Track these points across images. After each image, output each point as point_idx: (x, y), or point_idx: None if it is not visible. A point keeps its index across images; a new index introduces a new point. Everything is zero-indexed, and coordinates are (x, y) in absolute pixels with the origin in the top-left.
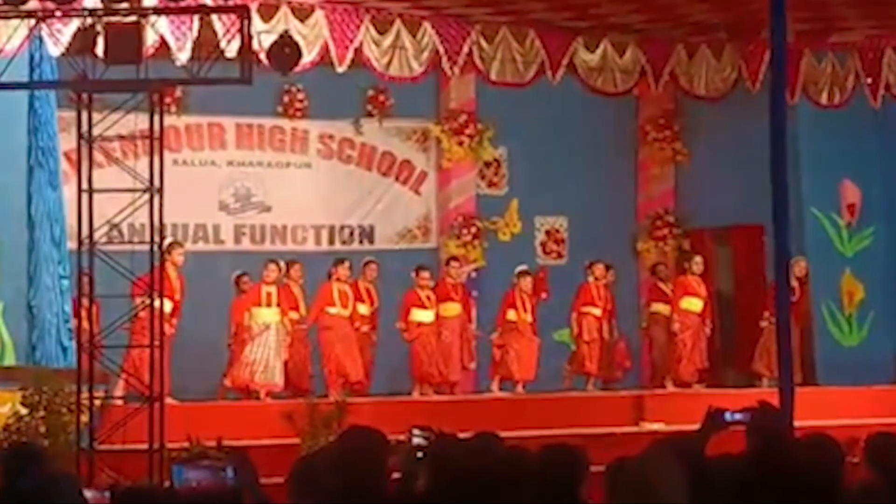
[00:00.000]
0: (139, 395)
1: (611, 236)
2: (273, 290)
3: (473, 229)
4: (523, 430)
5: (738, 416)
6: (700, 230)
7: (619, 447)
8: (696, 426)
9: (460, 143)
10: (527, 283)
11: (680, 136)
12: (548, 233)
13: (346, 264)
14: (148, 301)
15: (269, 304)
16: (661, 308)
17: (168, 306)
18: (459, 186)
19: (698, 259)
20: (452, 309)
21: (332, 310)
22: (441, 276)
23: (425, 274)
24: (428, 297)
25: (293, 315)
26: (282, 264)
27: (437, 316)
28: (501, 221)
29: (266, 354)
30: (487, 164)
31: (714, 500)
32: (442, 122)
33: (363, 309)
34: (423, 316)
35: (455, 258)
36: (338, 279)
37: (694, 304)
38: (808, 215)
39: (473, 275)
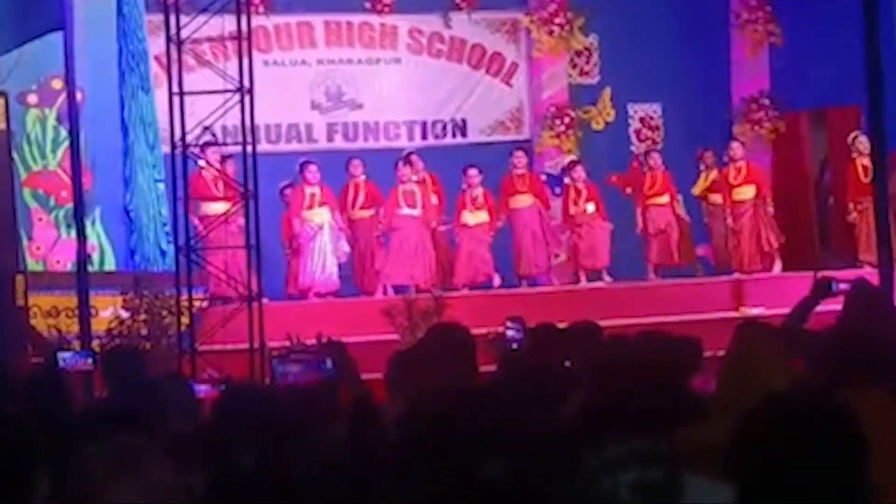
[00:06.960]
0: (237, 295)
1: (706, 121)
2: (316, 190)
3: (566, 119)
4: (620, 319)
5: (843, 286)
6: (796, 113)
7: (719, 333)
8: None
9: (550, 33)
10: (578, 173)
11: (773, 17)
12: (642, 120)
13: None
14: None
15: (311, 206)
16: (716, 198)
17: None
18: (551, 76)
19: (734, 145)
20: (523, 200)
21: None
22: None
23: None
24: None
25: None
26: (302, 169)
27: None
28: (594, 110)
29: (323, 254)
30: (578, 53)
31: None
32: (531, 12)
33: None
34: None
35: (520, 148)
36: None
37: (743, 193)
38: None
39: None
